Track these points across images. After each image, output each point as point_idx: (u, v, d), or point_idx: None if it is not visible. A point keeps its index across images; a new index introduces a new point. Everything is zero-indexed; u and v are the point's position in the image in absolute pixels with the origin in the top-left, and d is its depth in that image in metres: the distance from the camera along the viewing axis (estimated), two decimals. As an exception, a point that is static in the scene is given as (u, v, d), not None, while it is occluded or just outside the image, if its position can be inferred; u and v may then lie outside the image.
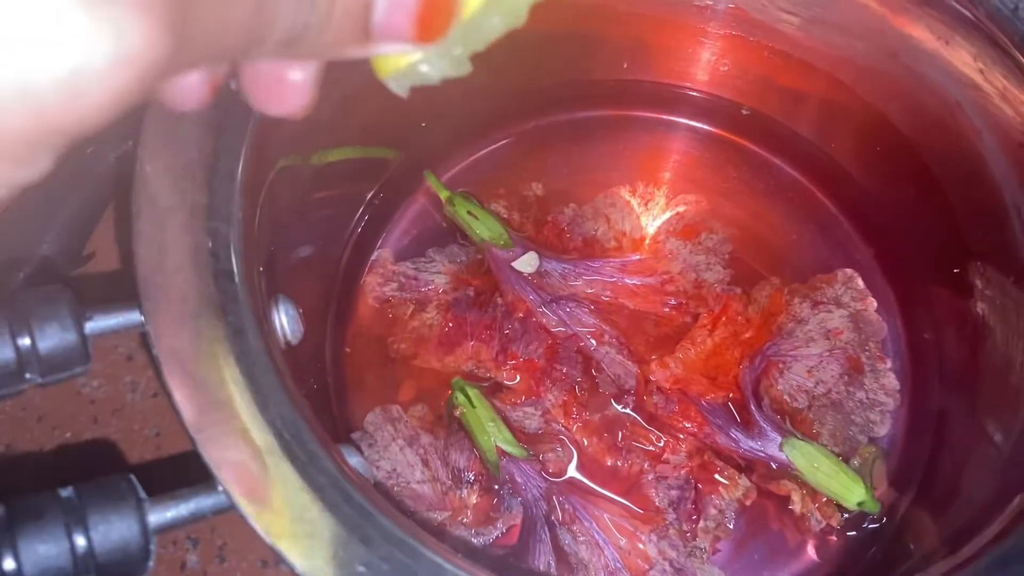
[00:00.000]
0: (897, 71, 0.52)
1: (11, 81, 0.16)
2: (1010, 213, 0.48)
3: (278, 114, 0.23)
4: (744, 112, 0.62)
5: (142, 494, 0.31)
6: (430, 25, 0.21)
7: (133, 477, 0.31)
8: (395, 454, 0.50)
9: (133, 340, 0.56)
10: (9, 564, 0.27)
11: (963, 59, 0.47)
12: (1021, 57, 0.44)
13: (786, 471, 0.50)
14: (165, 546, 0.51)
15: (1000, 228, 0.48)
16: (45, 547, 0.28)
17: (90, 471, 0.35)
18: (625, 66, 0.62)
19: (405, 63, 0.23)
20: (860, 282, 0.56)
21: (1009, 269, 0.48)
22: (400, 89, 0.24)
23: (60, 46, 0.16)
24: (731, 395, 0.53)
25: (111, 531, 0.29)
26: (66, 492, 0.30)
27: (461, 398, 0.51)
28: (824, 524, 0.50)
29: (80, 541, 0.29)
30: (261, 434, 0.32)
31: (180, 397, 0.32)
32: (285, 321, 0.41)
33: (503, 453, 0.49)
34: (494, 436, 0.50)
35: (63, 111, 0.16)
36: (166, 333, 0.34)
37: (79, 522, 0.29)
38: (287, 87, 0.22)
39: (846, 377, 0.53)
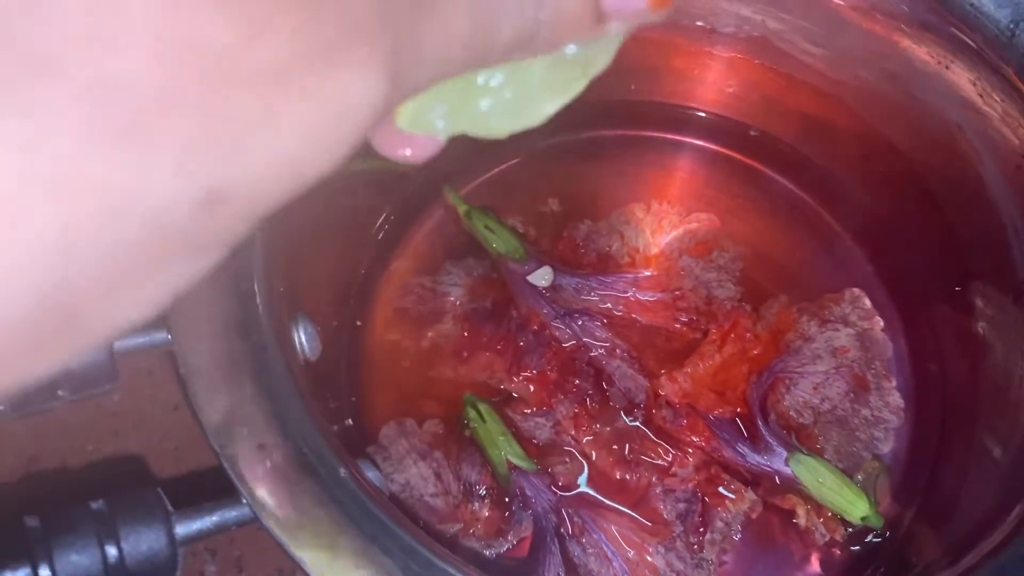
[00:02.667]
0: (899, 94, 0.53)
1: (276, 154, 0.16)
2: (1008, 233, 0.49)
3: (409, 162, 0.23)
4: (752, 133, 0.63)
5: (169, 506, 0.32)
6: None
7: (160, 490, 0.32)
8: (409, 467, 0.51)
9: (152, 354, 0.57)
10: (45, 573, 0.29)
11: (963, 83, 0.48)
12: (1019, 82, 0.45)
13: (791, 485, 0.51)
14: (184, 557, 0.52)
15: (999, 248, 0.49)
16: (79, 557, 0.29)
17: (113, 483, 0.36)
18: (633, 87, 0.63)
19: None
20: (867, 301, 0.57)
21: (1008, 288, 0.49)
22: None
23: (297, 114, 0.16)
24: (739, 410, 0.54)
25: (140, 542, 0.30)
26: (97, 504, 0.31)
27: (472, 413, 0.52)
28: (828, 538, 0.51)
29: (111, 551, 0.30)
30: (282, 449, 0.33)
31: (205, 414, 0.34)
32: (304, 339, 0.42)
33: (513, 467, 0.51)
34: (505, 450, 0.51)
35: (290, 179, 0.16)
36: (191, 351, 0.35)
37: (110, 533, 0.30)
38: (418, 140, 0.22)
39: (852, 394, 0.54)
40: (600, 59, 0.23)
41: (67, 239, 0.14)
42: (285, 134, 0.16)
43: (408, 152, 0.23)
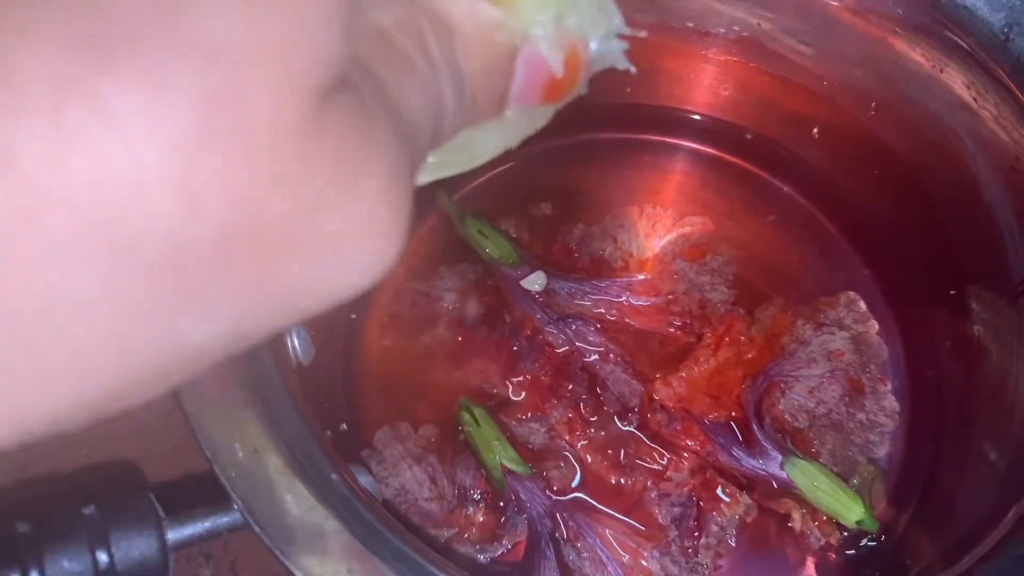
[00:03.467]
0: (894, 97, 0.53)
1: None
2: (1004, 236, 0.49)
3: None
4: (748, 136, 0.63)
5: (161, 512, 0.32)
6: (555, 94, 0.24)
7: (152, 496, 0.32)
8: (403, 472, 0.51)
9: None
10: (35, 579, 0.29)
11: (957, 86, 0.48)
12: (1013, 84, 0.45)
13: (787, 489, 0.51)
14: (179, 561, 0.52)
15: (994, 251, 0.49)
16: (69, 563, 0.29)
17: (106, 488, 0.36)
18: (628, 90, 0.63)
19: None
20: (862, 305, 0.57)
21: (1003, 291, 0.49)
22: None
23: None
24: (734, 414, 0.54)
25: (132, 548, 0.30)
26: (88, 510, 0.31)
27: (467, 417, 0.52)
28: (823, 542, 0.51)
29: (102, 557, 0.30)
30: (274, 454, 0.33)
31: (197, 419, 0.34)
32: (297, 343, 0.42)
33: (508, 471, 0.50)
34: (499, 455, 0.51)
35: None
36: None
37: (101, 539, 0.30)
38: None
39: (847, 398, 0.54)
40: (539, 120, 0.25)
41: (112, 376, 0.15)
42: (325, 294, 0.17)
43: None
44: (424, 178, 0.24)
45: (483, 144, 0.24)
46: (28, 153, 0.13)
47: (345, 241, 0.16)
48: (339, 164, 0.16)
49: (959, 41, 0.46)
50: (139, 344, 0.15)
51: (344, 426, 0.53)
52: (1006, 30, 0.44)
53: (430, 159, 0.23)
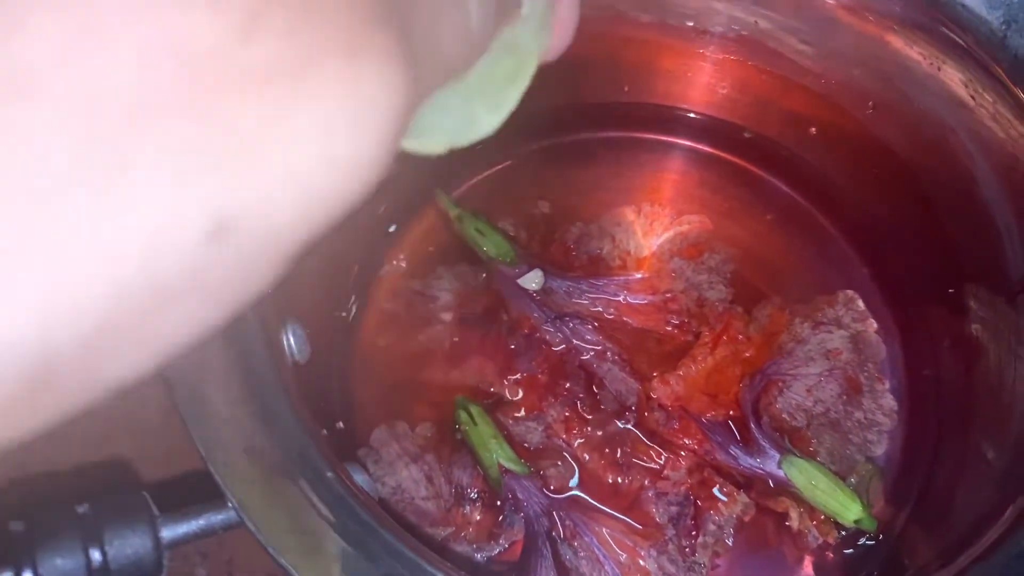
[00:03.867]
0: (893, 96, 0.53)
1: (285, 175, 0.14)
2: (1002, 235, 0.49)
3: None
4: (747, 135, 0.63)
5: (155, 510, 0.32)
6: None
7: (146, 494, 0.32)
8: (400, 471, 0.51)
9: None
10: (28, 577, 0.29)
11: (955, 84, 0.48)
12: (1010, 82, 0.45)
13: (784, 488, 0.51)
14: (174, 559, 0.52)
15: (992, 250, 0.49)
16: (63, 561, 0.29)
17: (103, 488, 0.36)
18: (626, 89, 0.63)
19: None
20: (860, 303, 0.57)
21: (1001, 290, 0.49)
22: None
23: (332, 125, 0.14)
24: (731, 413, 0.54)
25: (125, 546, 0.30)
26: (82, 508, 0.31)
27: (464, 416, 0.52)
28: (821, 541, 0.51)
29: (96, 555, 0.30)
30: (269, 452, 0.33)
31: (191, 417, 0.34)
32: (293, 341, 0.42)
33: (505, 470, 0.50)
34: (496, 453, 0.51)
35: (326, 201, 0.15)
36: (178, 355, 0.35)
37: (95, 537, 0.30)
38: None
39: (845, 397, 0.54)
40: (526, 67, 0.23)
41: (50, 290, 0.12)
42: (298, 146, 0.14)
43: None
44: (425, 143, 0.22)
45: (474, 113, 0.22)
46: None
47: (306, 67, 0.14)
48: (332, 22, 0.14)
49: (957, 39, 0.46)
50: (62, 239, 0.12)
51: (340, 424, 0.53)
52: (1004, 27, 0.44)
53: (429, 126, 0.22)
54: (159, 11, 0.13)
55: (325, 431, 0.44)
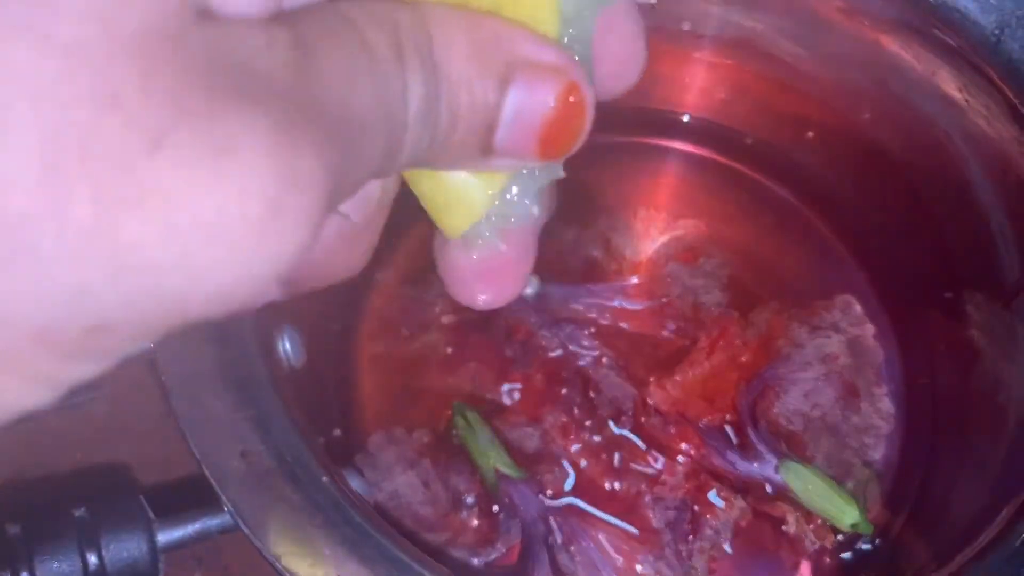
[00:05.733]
0: (888, 100, 0.53)
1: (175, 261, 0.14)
2: (997, 239, 0.49)
3: (484, 306, 0.23)
4: (746, 140, 0.63)
5: (151, 514, 0.32)
6: (554, 144, 0.21)
7: (143, 498, 0.32)
8: (397, 476, 0.51)
9: (142, 365, 0.57)
10: (24, 582, 0.29)
11: (950, 88, 0.48)
12: (1005, 87, 0.45)
13: (782, 493, 0.51)
14: (171, 565, 0.52)
15: (988, 254, 0.49)
16: (59, 564, 0.29)
17: (100, 492, 0.36)
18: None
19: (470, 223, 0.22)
20: (858, 308, 0.57)
21: (997, 294, 0.49)
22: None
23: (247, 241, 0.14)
24: (728, 417, 0.54)
25: (122, 549, 0.30)
26: (79, 512, 0.31)
27: (460, 421, 0.52)
28: (818, 545, 0.51)
29: (92, 559, 0.30)
30: (265, 457, 0.33)
31: (188, 422, 0.34)
32: (288, 347, 0.42)
33: (502, 475, 0.50)
34: (493, 459, 0.51)
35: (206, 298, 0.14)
36: (174, 359, 0.35)
37: (91, 540, 0.30)
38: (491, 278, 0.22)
39: (842, 401, 0.54)
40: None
41: None
42: (159, 261, 0.13)
43: (483, 298, 0.22)
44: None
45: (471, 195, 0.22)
46: None
47: (201, 212, 0.13)
48: (198, 110, 0.13)
49: (951, 43, 0.46)
50: None
51: (338, 431, 0.53)
52: (997, 32, 0.44)
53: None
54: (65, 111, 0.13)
55: (322, 439, 0.44)
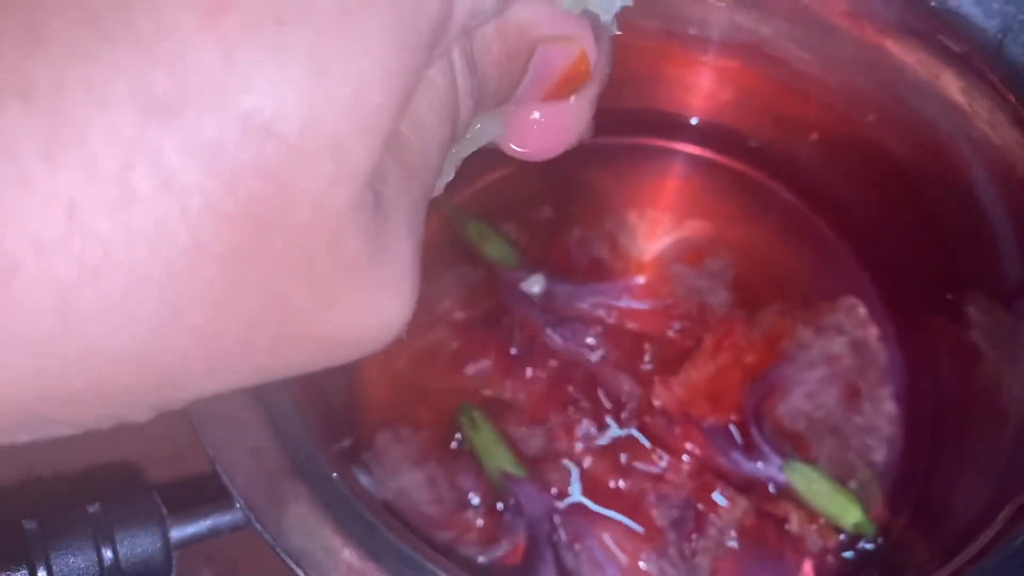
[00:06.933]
0: (892, 103, 0.53)
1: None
2: (999, 241, 0.49)
3: (538, 159, 0.23)
4: (750, 143, 0.63)
5: (164, 511, 0.32)
6: (562, 95, 0.22)
7: (156, 494, 0.33)
8: (403, 475, 0.51)
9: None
10: (42, 574, 0.29)
11: (953, 92, 0.48)
12: (1006, 90, 0.45)
13: (785, 492, 0.52)
14: (180, 560, 0.52)
15: (990, 256, 0.50)
16: (75, 559, 0.30)
17: (110, 489, 0.36)
18: (627, 94, 0.63)
19: None
20: (862, 310, 0.57)
21: (999, 295, 0.50)
22: None
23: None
24: (733, 417, 0.54)
25: (136, 545, 0.31)
26: (94, 508, 0.32)
27: (466, 421, 0.52)
28: (821, 544, 0.51)
29: (107, 554, 0.30)
30: (275, 454, 0.34)
31: (199, 419, 0.34)
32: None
33: (507, 475, 0.51)
34: (498, 458, 0.51)
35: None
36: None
37: (106, 536, 0.31)
38: (548, 136, 0.23)
39: (845, 402, 0.54)
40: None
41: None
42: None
43: (532, 150, 0.23)
44: None
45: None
46: (90, 207, 0.13)
47: (357, 333, 0.17)
48: (363, 261, 0.16)
49: (953, 47, 0.47)
50: (132, 389, 0.15)
51: (345, 429, 0.53)
52: (1000, 36, 0.44)
53: None
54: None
55: (331, 435, 0.45)
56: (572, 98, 0.22)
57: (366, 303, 0.16)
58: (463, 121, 0.19)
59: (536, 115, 0.22)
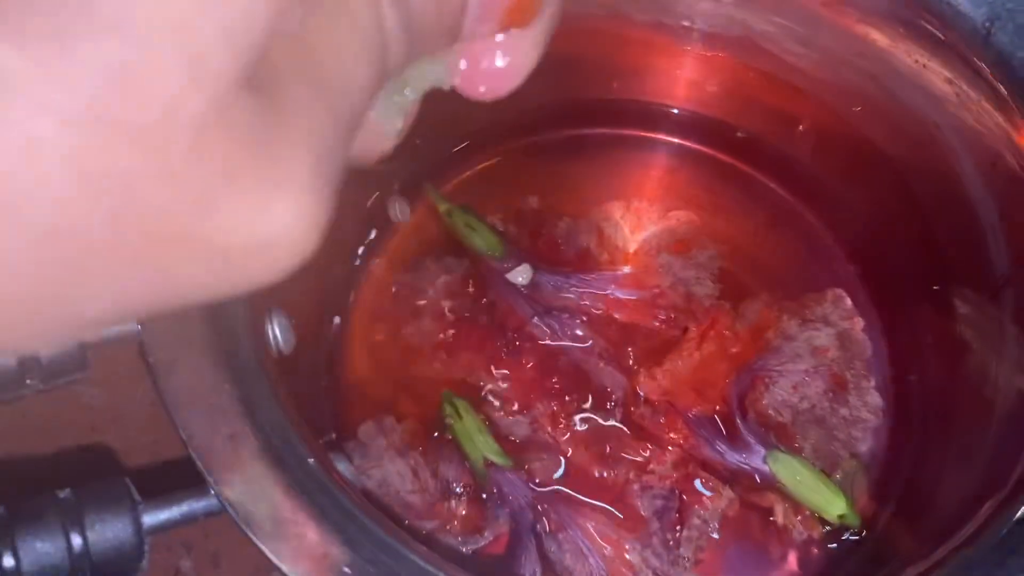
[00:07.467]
0: (879, 93, 0.53)
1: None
2: (986, 232, 0.49)
3: (489, 99, 0.23)
4: (738, 134, 0.63)
5: (137, 496, 0.32)
6: (515, 22, 0.22)
7: (128, 480, 0.32)
8: (386, 464, 0.51)
9: (131, 350, 0.57)
10: (8, 561, 0.29)
11: (940, 82, 0.48)
12: (994, 80, 0.45)
13: (770, 483, 0.52)
14: (159, 551, 0.52)
15: (976, 247, 0.50)
16: (43, 545, 0.29)
17: (87, 476, 0.36)
18: (616, 86, 0.63)
19: None
20: (848, 302, 0.57)
21: (985, 287, 0.50)
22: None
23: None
24: (718, 408, 0.54)
25: (106, 531, 0.30)
26: (64, 493, 0.31)
27: (450, 410, 0.52)
28: (806, 536, 0.51)
29: (76, 540, 0.30)
30: (251, 439, 0.33)
31: (174, 403, 0.34)
32: (278, 331, 0.42)
33: (491, 464, 0.51)
34: (482, 447, 0.51)
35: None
36: (161, 342, 0.35)
37: (76, 522, 0.30)
38: (498, 72, 0.22)
39: (830, 394, 0.54)
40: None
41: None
42: (188, 265, 0.16)
43: (483, 90, 0.22)
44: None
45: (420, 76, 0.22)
46: None
47: (250, 238, 0.16)
48: (244, 164, 0.15)
49: (941, 36, 0.46)
50: (20, 306, 0.15)
51: (327, 418, 0.53)
52: (988, 24, 0.44)
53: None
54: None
55: (311, 423, 0.44)
56: (520, 31, 0.22)
57: (253, 205, 0.16)
58: (395, 54, 0.19)
59: (483, 51, 0.22)
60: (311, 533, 0.32)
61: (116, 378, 0.56)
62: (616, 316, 0.56)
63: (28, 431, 0.54)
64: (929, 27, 0.46)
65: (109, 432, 0.55)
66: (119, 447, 0.54)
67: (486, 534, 0.50)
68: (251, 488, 0.32)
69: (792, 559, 0.52)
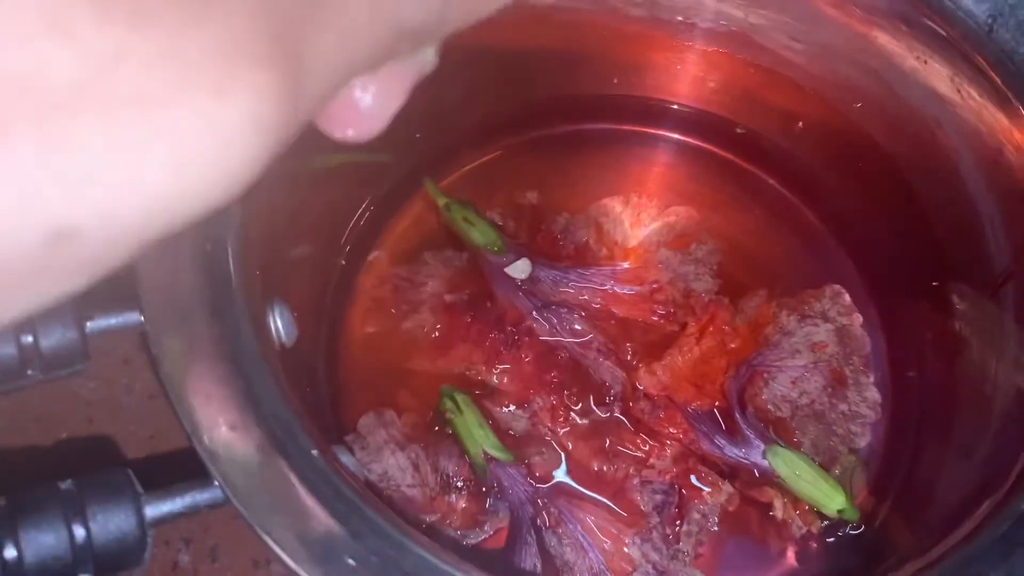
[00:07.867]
0: (879, 90, 0.53)
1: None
2: (985, 228, 0.49)
3: (351, 139, 0.23)
4: (737, 130, 0.63)
5: (139, 488, 0.32)
6: None
7: (130, 471, 0.32)
8: (387, 458, 0.51)
9: (130, 343, 0.57)
10: (11, 553, 0.29)
11: (941, 78, 0.48)
12: (996, 77, 0.45)
13: (769, 478, 0.52)
14: (158, 545, 0.52)
15: (976, 243, 0.50)
16: (45, 537, 0.29)
17: (86, 468, 0.36)
18: (615, 81, 0.63)
19: None
20: (847, 297, 0.57)
21: (984, 284, 0.50)
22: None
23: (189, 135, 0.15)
24: (717, 403, 0.54)
25: (109, 522, 0.30)
26: (66, 485, 0.31)
27: (449, 404, 0.52)
28: (805, 530, 0.51)
29: (79, 532, 0.30)
30: (254, 431, 0.33)
31: (176, 394, 0.33)
32: (280, 323, 0.42)
33: (490, 458, 0.50)
34: (482, 441, 0.51)
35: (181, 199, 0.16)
36: (164, 333, 0.35)
37: (78, 513, 0.30)
38: (360, 113, 0.22)
39: (829, 389, 0.54)
40: None
41: None
42: (148, 168, 0.15)
43: (350, 132, 0.22)
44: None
45: None
46: None
47: (165, 99, 0.15)
48: (154, 28, 0.15)
49: (943, 33, 0.46)
50: None
51: (328, 410, 0.53)
52: (990, 21, 0.44)
53: None
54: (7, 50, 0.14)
55: (312, 416, 0.44)
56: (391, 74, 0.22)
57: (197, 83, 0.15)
58: (409, 20, 0.19)
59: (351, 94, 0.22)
60: (315, 524, 0.32)
61: (112, 372, 0.56)
62: (615, 311, 0.56)
63: (25, 424, 0.54)
64: (931, 24, 0.47)
65: (106, 425, 0.55)
66: (118, 440, 0.54)
67: (486, 528, 0.50)
68: (255, 480, 0.32)
69: (791, 553, 0.52)
